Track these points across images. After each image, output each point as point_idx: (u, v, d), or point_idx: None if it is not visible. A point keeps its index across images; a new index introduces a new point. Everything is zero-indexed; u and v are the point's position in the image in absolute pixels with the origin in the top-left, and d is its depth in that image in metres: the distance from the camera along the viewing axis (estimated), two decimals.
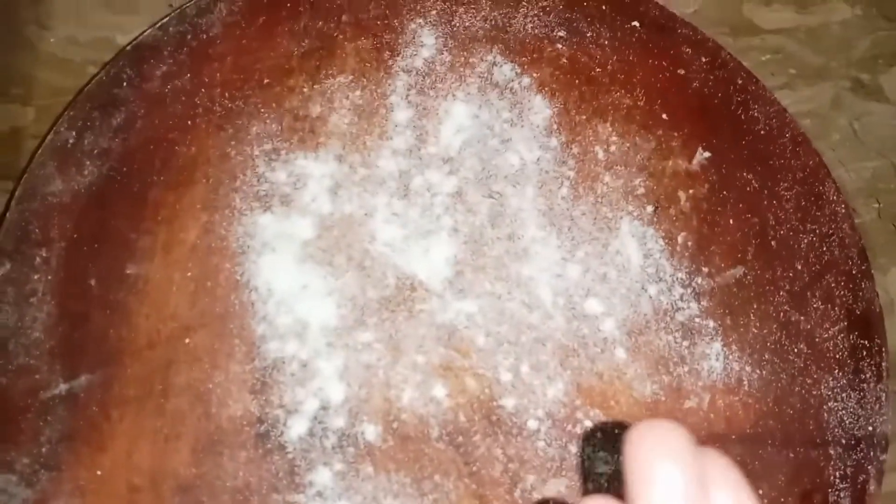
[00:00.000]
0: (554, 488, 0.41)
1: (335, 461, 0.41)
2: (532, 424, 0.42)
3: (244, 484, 0.40)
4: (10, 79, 0.50)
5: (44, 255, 0.43)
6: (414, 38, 0.48)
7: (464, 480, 0.41)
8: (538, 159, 0.47)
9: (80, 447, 0.40)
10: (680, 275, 0.46)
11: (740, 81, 0.50)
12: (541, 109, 0.48)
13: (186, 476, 0.40)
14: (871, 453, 0.44)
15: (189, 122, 0.46)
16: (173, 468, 0.40)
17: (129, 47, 0.47)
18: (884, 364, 0.46)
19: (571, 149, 0.47)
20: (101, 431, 0.41)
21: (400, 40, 0.48)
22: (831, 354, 0.45)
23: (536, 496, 0.41)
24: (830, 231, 0.47)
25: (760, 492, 0.42)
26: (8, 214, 0.44)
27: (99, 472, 0.40)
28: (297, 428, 0.42)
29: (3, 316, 0.42)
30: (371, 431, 0.42)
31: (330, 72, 0.48)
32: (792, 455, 0.43)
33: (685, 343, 0.44)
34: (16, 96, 0.50)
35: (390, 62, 0.48)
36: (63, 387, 0.41)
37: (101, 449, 0.40)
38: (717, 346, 0.45)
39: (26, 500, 0.39)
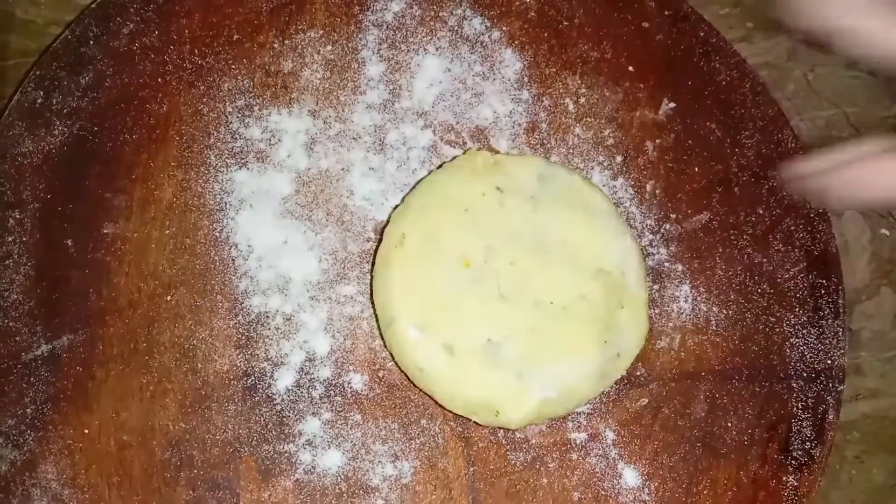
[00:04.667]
0: (535, 428, 0.43)
1: (323, 411, 0.42)
2: None
3: (234, 436, 0.41)
4: None
5: (17, 216, 0.42)
6: None
7: (449, 424, 0.43)
8: (510, 112, 0.48)
9: (66, 407, 0.40)
10: (649, 222, 0.47)
11: (702, 34, 0.51)
12: (511, 63, 0.49)
13: (175, 431, 0.41)
14: (830, 385, 0.46)
15: (159, 80, 0.46)
16: (162, 424, 0.41)
17: (94, 5, 0.46)
18: (840, 301, 0.48)
19: (542, 101, 0.48)
20: (86, 391, 0.41)
21: None
22: (792, 294, 0.48)
23: (519, 436, 0.43)
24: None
25: (729, 425, 0.45)
26: None
27: (87, 431, 0.40)
28: (284, 380, 0.42)
29: None
30: (357, 380, 0.43)
31: (300, 27, 0.47)
32: (758, 389, 0.46)
33: (655, 286, 0.46)
34: None
35: (360, 16, 0.48)
36: (45, 348, 0.41)
37: (87, 408, 0.41)
38: (686, 288, 0.46)
39: (14, 461, 0.39)
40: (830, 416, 0.46)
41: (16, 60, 0.48)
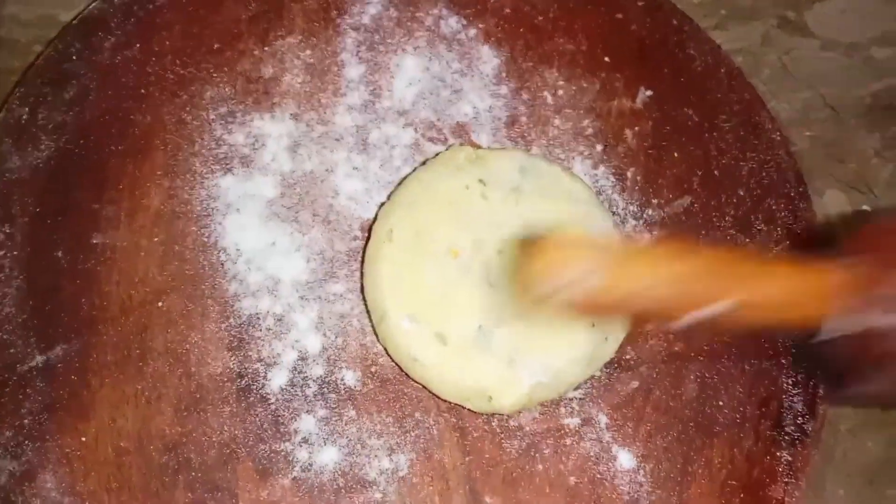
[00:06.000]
0: (529, 416, 0.43)
1: (318, 408, 0.42)
2: None
3: (230, 437, 0.41)
4: None
5: (7, 230, 0.43)
6: None
7: (444, 415, 0.43)
8: (490, 107, 0.49)
9: (63, 416, 0.41)
10: (632, 208, 0.48)
11: (675, 22, 0.52)
12: (489, 59, 0.49)
13: (172, 435, 0.41)
14: None
15: (142, 91, 0.46)
16: (159, 429, 0.41)
17: (75, 21, 0.47)
18: None
19: (521, 95, 0.49)
20: (82, 399, 0.41)
21: None
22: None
23: (513, 424, 0.43)
24: (768, 158, 0.50)
25: (720, 403, 0.45)
26: None
27: (84, 439, 0.41)
28: (277, 380, 0.43)
29: None
30: (350, 377, 0.43)
31: (279, 33, 0.48)
32: (747, 367, 0.46)
33: None
34: None
35: (338, 20, 0.49)
36: (39, 358, 0.41)
37: (83, 416, 0.41)
38: None
39: (13, 472, 0.40)
40: (821, 391, 0.46)
41: (1, 79, 0.48)
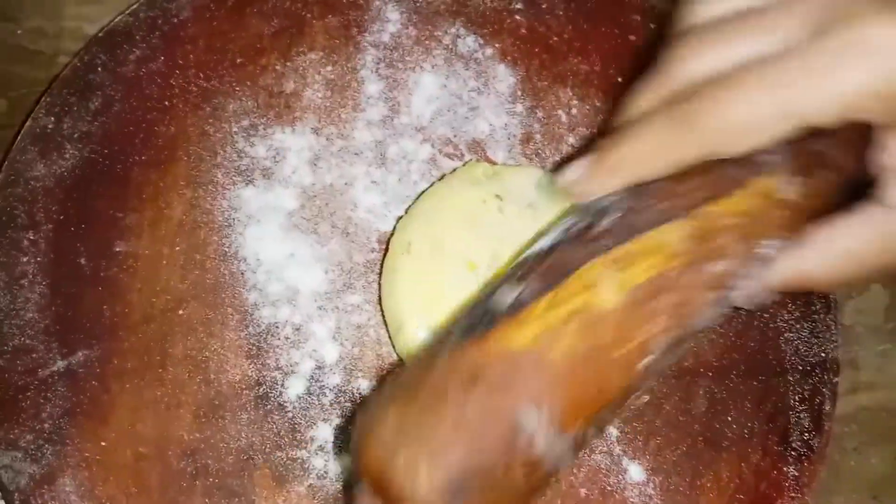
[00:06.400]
0: None
1: (334, 416, 0.43)
2: None
3: (248, 444, 0.42)
4: None
5: (31, 237, 0.44)
6: (379, 14, 0.50)
7: None
8: (505, 125, 0.50)
9: (83, 421, 0.41)
10: None
11: None
12: (505, 77, 0.50)
13: (191, 441, 0.42)
14: (825, 377, 0.48)
15: (166, 103, 0.47)
16: (177, 434, 0.42)
17: (101, 34, 0.48)
18: (831, 296, 0.50)
19: (536, 113, 0.50)
20: (102, 404, 0.42)
21: (366, 17, 0.50)
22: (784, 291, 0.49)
23: None
24: None
25: (728, 419, 0.46)
26: None
27: (104, 444, 0.41)
28: (294, 388, 0.43)
29: None
30: (366, 386, 0.44)
31: (301, 49, 0.49)
32: (756, 383, 0.47)
33: None
34: None
35: (358, 38, 0.50)
36: (61, 364, 0.42)
37: (103, 421, 0.42)
38: None
39: (33, 475, 0.40)
40: (827, 408, 0.47)
41: (27, 90, 0.49)
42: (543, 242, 0.32)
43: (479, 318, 0.30)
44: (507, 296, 0.30)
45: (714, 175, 0.32)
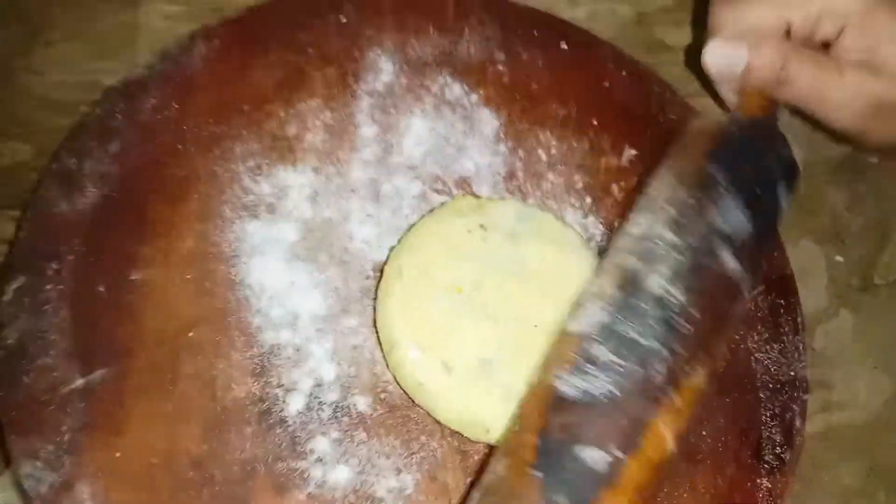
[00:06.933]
0: None
1: (332, 430, 0.46)
2: None
3: (251, 456, 0.45)
4: (9, 120, 0.55)
5: (55, 267, 0.48)
6: (373, 65, 0.55)
7: (447, 439, 0.47)
8: (490, 163, 0.54)
9: (99, 433, 0.44)
10: None
11: (657, 90, 0.58)
12: (489, 121, 0.55)
13: (198, 452, 0.45)
14: (795, 394, 0.51)
15: (179, 147, 0.52)
16: (186, 446, 0.45)
17: (118, 84, 0.53)
18: (799, 319, 0.53)
19: (518, 153, 0.55)
20: (117, 418, 0.45)
21: (361, 67, 0.55)
22: (754, 313, 0.53)
23: None
24: None
25: (704, 433, 0.49)
26: (19, 234, 0.48)
27: (118, 454, 0.44)
28: (295, 404, 0.46)
29: (21, 323, 0.46)
30: (362, 402, 0.47)
31: (302, 97, 0.54)
32: (728, 400, 0.50)
33: None
34: (16, 135, 0.55)
35: (355, 87, 0.55)
36: (80, 381, 0.45)
37: (118, 434, 0.45)
38: None
39: (52, 483, 0.43)
40: (797, 424, 0.50)
41: (51, 136, 0.54)
42: (596, 316, 0.41)
43: (576, 478, 0.37)
44: (598, 454, 0.37)
45: None
